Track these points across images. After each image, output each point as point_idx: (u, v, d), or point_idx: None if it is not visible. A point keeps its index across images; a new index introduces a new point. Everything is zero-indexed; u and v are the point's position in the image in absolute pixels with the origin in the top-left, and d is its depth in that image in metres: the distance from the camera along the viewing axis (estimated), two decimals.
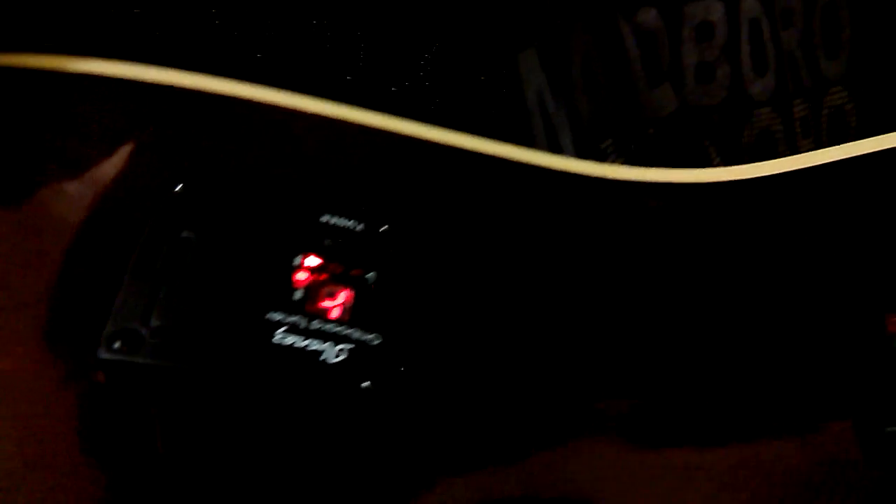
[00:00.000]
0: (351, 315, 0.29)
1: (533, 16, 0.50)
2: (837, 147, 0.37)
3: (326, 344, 0.28)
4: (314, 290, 0.29)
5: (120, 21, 0.37)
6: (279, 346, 0.27)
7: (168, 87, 0.34)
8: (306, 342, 0.28)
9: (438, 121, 0.38)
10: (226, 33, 0.39)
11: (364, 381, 0.28)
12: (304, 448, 0.28)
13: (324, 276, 0.30)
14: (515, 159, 0.38)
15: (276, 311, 0.28)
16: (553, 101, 0.51)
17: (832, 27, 0.50)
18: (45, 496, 0.25)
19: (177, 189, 0.31)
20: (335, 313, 0.29)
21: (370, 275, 0.30)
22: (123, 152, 0.33)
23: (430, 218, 0.34)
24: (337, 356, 0.28)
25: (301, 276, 0.29)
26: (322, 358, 0.28)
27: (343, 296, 0.29)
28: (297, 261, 0.30)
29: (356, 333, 0.28)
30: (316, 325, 0.28)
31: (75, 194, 0.32)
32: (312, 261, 0.30)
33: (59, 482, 0.25)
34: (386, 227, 0.32)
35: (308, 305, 0.29)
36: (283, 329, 0.28)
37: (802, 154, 0.38)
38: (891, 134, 0.36)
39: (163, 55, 0.36)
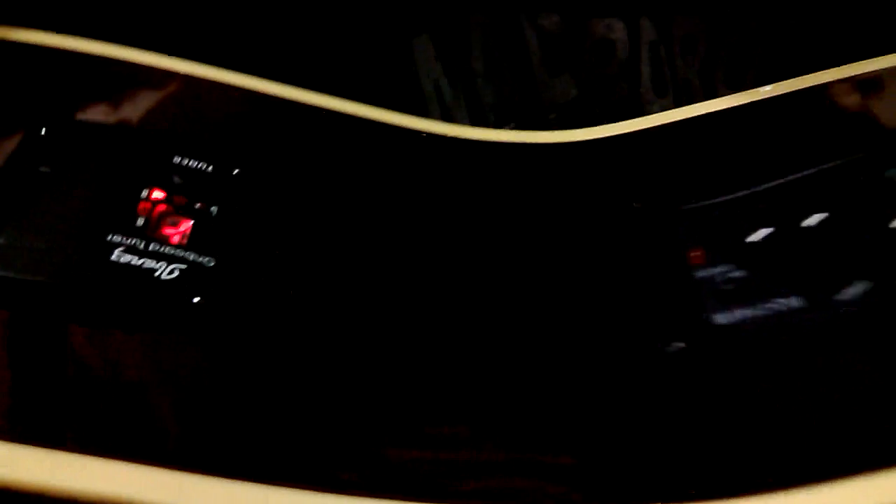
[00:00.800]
0: (189, 241, 0.32)
1: (428, 2, 0.54)
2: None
3: (161, 263, 0.31)
4: (157, 219, 0.32)
5: None
6: (115, 263, 0.31)
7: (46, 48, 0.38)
8: (142, 261, 0.31)
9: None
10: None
11: (195, 297, 0.31)
12: (139, 360, 0.31)
13: (168, 208, 0.33)
14: (387, 121, 0.41)
15: (117, 233, 0.31)
16: (450, 89, 0.54)
17: (738, 63, 0.53)
18: None
19: (36, 131, 0.34)
20: (175, 239, 0.32)
21: (213, 208, 0.33)
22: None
23: (281, 168, 0.37)
24: (170, 273, 0.31)
25: (146, 205, 0.33)
26: (156, 275, 0.31)
27: (185, 226, 0.33)
28: (144, 193, 0.33)
29: (191, 256, 0.32)
30: (154, 247, 0.31)
31: None
32: (158, 194, 0.33)
33: None
34: (237, 170, 0.35)
35: (149, 232, 0.32)
36: (121, 249, 0.31)
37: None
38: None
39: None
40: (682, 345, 0.31)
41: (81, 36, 0.38)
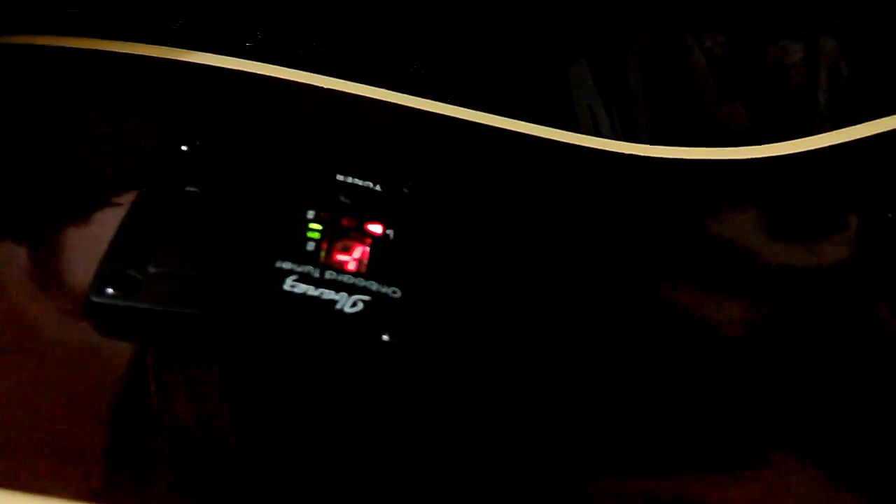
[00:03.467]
0: (368, 269, 0.29)
1: (586, 25, 0.51)
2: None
3: (341, 294, 0.28)
4: (328, 244, 0.29)
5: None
6: (290, 293, 0.27)
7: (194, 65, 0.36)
8: (319, 291, 0.27)
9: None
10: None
11: (383, 334, 0.27)
12: (317, 400, 0.28)
13: (338, 231, 0.30)
14: (547, 137, 0.38)
15: (286, 259, 0.28)
16: (606, 115, 0.51)
17: None
18: (36, 437, 0.24)
19: (184, 148, 0.32)
20: (351, 266, 0.29)
21: (388, 231, 0.30)
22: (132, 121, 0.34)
23: (451, 187, 0.34)
24: (354, 306, 0.27)
25: (314, 228, 0.29)
26: (337, 307, 0.27)
27: (359, 251, 0.29)
28: (310, 214, 0.30)
29: (374, 286, 0.28)
30: (330, 275, 0.28)
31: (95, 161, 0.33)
32: (325, 216, 0.30)
33: (54, 429, 0.25)
34: (406, 189, 0.32)
35: (322, 258, 0.29)
36: (293, 277, 0.28)
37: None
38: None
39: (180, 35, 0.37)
40: None
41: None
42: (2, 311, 0.27)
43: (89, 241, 0.28)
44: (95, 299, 0.26)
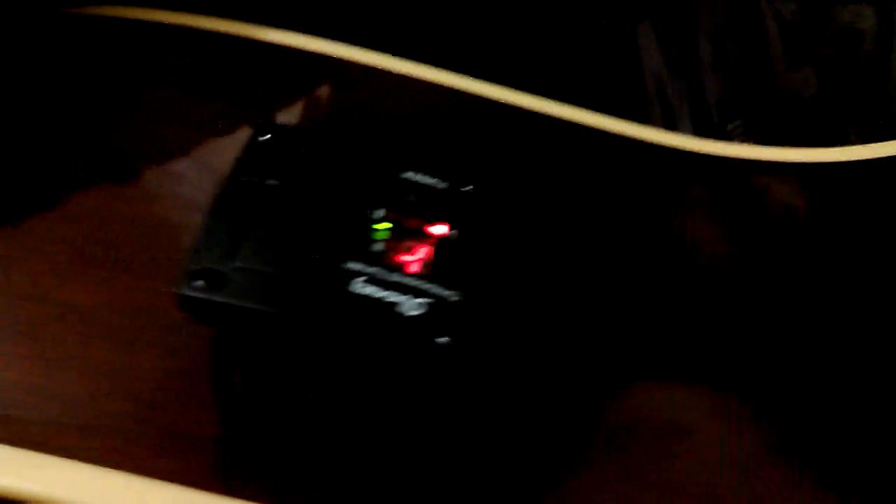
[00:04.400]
0: (431, 270, 0.32)
1: None
2: None
3: (404, 297, 0.31)
4: (393, 244, 0.32)
5: None
6: (356, 294, 0.31)
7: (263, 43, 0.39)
8: (383, 293, 0.31)
9: (551, 96, 0.41)
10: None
11: (441, 337, 0.31)
12: (377, 400, 0.32)
13: (403, 231, 0.33)
14: (617, 132, 0.41)
15: (354, 260, 0.31)
16: (672, 83, 0.53)
17: None
18: (122, 429, 0.29)
19: (262, 138, 0.35)
20: (414, 268, 0.32)
21: (452, 232, 0.33)
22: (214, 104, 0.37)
23: (516, 182, 0.37)
24: (414, 309, 0.31)
25: (380, 228, 0.33)
26: (399, 310, 0.31)
27: (422, 251, 0.33)
28: (377, 214, 0.33)
29: (435, 288, 0.31)
30: (394, 277, 0.31)
31: (162, 140, 0.36)
32: (392, 215, 0.33)
33: (140, 416, 0.29)
34: (470, 187, 0.35)
35: (386, 258, 0.32)
36: (360, 279, 0.31)
37: None
38: None
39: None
40: None
41: (307, 33, 0.39)
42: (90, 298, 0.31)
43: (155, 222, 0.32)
44: (186, 292, 0.30)
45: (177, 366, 0.30)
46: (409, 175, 0.35)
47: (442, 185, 0.35)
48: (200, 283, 0.30)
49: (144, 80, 0.37)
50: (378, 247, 0.32)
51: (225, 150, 0.35)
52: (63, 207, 0.33)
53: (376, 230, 0.32)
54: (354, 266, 0.31)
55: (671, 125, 0.52)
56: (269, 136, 0.35)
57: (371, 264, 0.31)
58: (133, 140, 0.35)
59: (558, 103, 0.40)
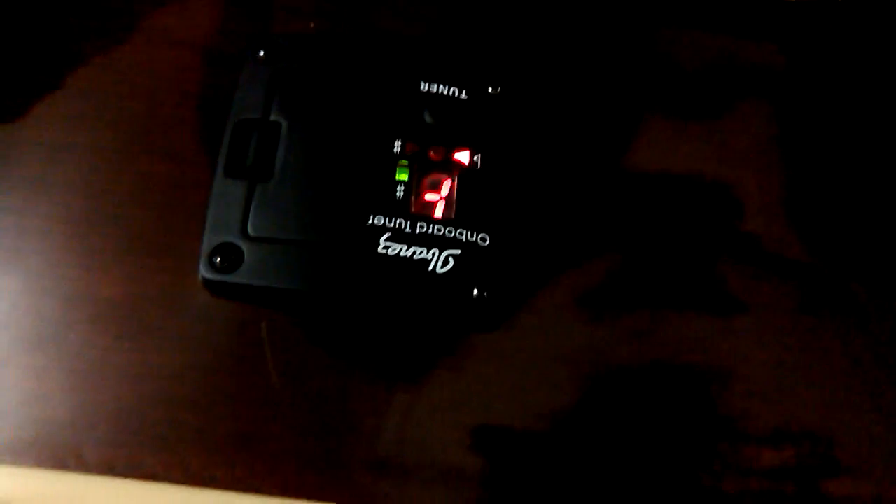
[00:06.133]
0: (456, 210, 0.31)
1: None
2: None
3: (433, 251, 0.30)
4: (416, 185, 0.31)
5: None
6: (385, 255, 0.30)
7: None
8: (412, 250, 0.30)
9: None
10: None
11: (474, 290, 0.30)
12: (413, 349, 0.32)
13: (425, 164, 0.32)
14: None
15: (378, 213, 0.31)
16: None
17: None
18: (162, 434, 0.29)
19: (258, 55, 0.32)
20: (439, 211, 0.31)
21: (475, 158, 0.32)
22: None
23: (544, 82, 0.35)
24: (445, 265, 0.30)
25: (402, 165, 0.31)
26: (430, 268, 0.30)
27: (447, 187, 0.31)
28: (397, 148, 0.32)
29: (463, 235, 0.31)
30: (421, 228, 0.31)
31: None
32: (413, 148, 0.32)
33: (178, 418, 0.29)
34: (492, 90, 0.33)
35: (413, 207, 0.31)
36: (386, 237, 0.30)
37: None
38: None
39: None
40: None
41: None
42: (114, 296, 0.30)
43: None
44: (206, 275, 0.30)
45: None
46: (427, 86, 0.33)
47: (462, 94, 0.33)
48: (218, 260, 0.30)
49: None
50: (402, 192, 0.31)
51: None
52: None
53: (399, 169, 0.31)
54: (379, 220, 0.30)
55: None
56: (262, 52, 0.32)
57: (397, 215, 0.30)
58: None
59: None
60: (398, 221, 0.30)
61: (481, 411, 0.30)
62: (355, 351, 0.30)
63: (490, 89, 0.33)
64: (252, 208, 0.30)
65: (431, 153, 0.32)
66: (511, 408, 0.30)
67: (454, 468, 0.29)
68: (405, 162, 0.31)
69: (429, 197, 0.31)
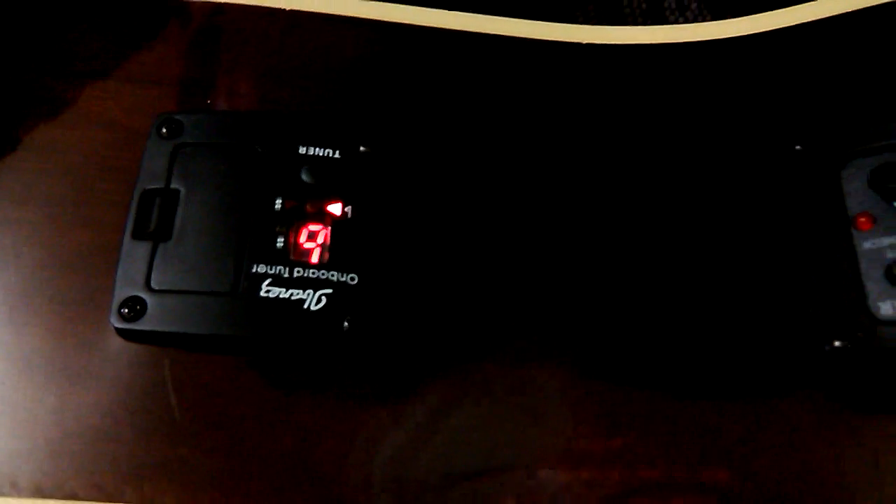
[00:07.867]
0: (330, 255, 0.37)
1: None
2: None
3: (307, 291, 0.36)
4: (295, 236, 0.37)
5: None
6: (266, 298, 0.36)
7: None
8: (290, 292, 0.36)
9: None
10: None
11: (344, 322, 0.36)
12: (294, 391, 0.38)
13: (303, 217, 0.38)
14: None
15: (261, 262, 0.37)
16: None
17: None
18: (85, 463, 0.36)
19: (163, 131, 0.39)
20: (315, 258, 0.37)
21: (347, 209, 0.38)
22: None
23: (411, 139, 0.40)
24: (318, 303, 0.36)
25: (282, 221, 0.37)
26: (305, 306, 0.36)
27: (322, 235, 0.37)
28: (277, 204, 0.38)
29: (335, 276, 0.37)
30: (298, 272, 0.37)
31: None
32: (291, 202, 0.38)
33: (98, 448, 0.36)
34: (364, 148, 0.39)
35: (291, 254, 0.37)
36: (268, 282, 0.36)
37: None
38: None
39: None
40: (840, 343, 0.35)
41: None
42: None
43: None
44: (115, 324, 0.36)
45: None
46: (304, 149, 0.39)
47: (336, 154, 0.39)
48: (125, 311, 0.36)
49: None
50: (281, 243, 0.37)
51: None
52: None
53: (277, 224, 0.37)
54: (261, 268, 0.36)
55: None
56: (164, 129, 0.39)
57: (276, 263, 0.37)
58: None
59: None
60: (278, 268, 0.36)
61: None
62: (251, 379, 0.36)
63: (361, 148, 0.39)
64: (154, 265, 0.37)
65: (308, 207, 0.38)
66: None
67: None
68: (284, 216, 0.37)
69: (306, 245, 0.37)
